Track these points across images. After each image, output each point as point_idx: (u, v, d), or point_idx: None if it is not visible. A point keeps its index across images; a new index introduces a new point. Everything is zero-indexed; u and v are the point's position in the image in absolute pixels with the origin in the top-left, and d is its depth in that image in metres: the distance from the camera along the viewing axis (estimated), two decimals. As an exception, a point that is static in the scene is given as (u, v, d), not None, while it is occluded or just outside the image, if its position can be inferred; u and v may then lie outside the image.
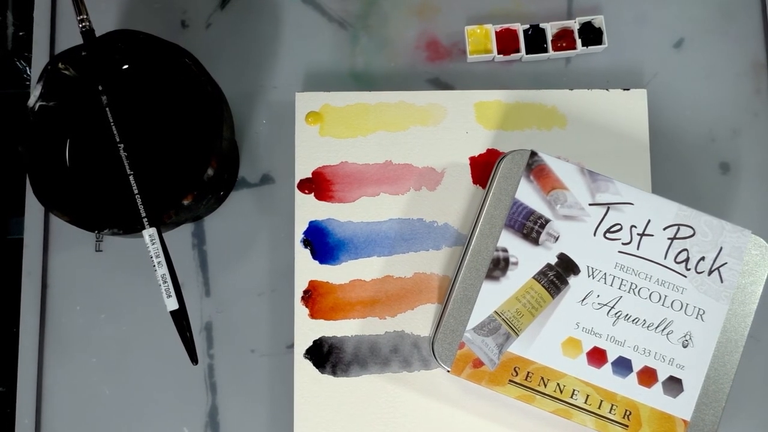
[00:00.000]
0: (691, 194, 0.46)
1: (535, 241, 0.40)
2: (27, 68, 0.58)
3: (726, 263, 0.40)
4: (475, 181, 0.45)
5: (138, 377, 0.45)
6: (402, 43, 0.48)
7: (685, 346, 0.40)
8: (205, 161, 0.39)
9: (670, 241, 0.40)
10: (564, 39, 0.47)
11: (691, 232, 0.41)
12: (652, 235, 0.40)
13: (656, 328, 0.40)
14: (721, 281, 0.40)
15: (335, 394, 0.43)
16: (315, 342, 0.44)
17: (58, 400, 0.45)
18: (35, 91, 0.40)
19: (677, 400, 0.39)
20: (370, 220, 0.45)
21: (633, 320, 0.40)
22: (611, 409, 0.39)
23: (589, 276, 0.40)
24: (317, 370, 0.44)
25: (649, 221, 0.41)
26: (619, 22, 0.48)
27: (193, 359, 0.38)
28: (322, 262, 0.45)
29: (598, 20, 0.46)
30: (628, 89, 0.46)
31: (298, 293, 0.44)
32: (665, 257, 0.40)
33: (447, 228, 0.45)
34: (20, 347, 0.45)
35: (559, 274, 0.40)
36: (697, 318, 0.40)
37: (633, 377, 0.39)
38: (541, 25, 0.46)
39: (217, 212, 0.47)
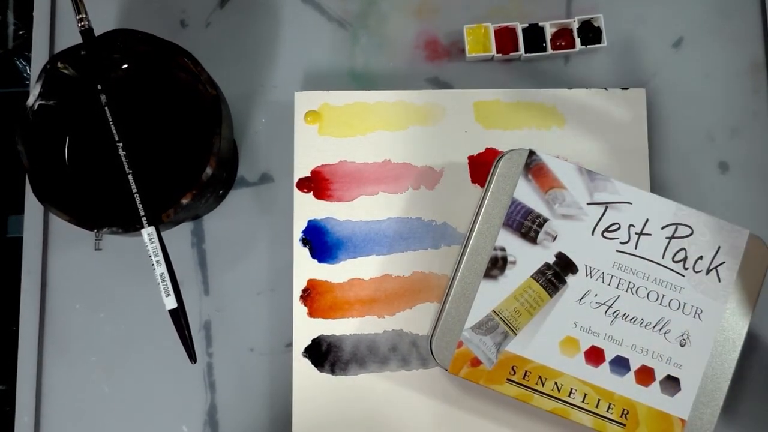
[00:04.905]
0: (689, 193, 0.46)
1: (534, 240, 0.40)
2: (26, 67, 0.58)
3: (724, 262, 0.40)
4: (473, 180, 0.45)
5: (137, 376, 0.45)
6: (401, 43, 0.48)
7: (682, 345, 0.40)
8: (204, 160, 0.39)
9: (668, 240, 0.40)
10: (563, 38, 0.47)
11: (689, 232, 0.41)
12: (650, 235, 0.40)
13: (654, 327, 0.40)
14: (719, 280, 0.40)
15: (333, 392, 0.44)
16: (313, 341, 0.44)
17: (57, 398, 0.45)
18: (35, 90, 0.40)
19: (675, 399, 0.39)
20: (369, 219, 0.45)
21: (631, 319, 0.40)
22: (609, 408, 0.39)
23: (587, 275, 0.40)
24: (316, 368, 0.44)
25: (647, 220, 0.41)
26: (619, 21, 0.48)
27: (192, 358, 0.38)
28: (320, 260, 0.45)
29: (598, 19, 0.46)
30: (626, 88, 0.46)
31: (297, 292, 0.44)
32: (663, 256, 0.40)
33: (445, 227, 0.45)
34: (20, 345, 0.46)
35: (557, 273, 0.40)
36: (694, 317, 0.40)
37: (630, 376, 0.39)
38: (540, 24, 0.46)
39: (216, 211, 0.47)
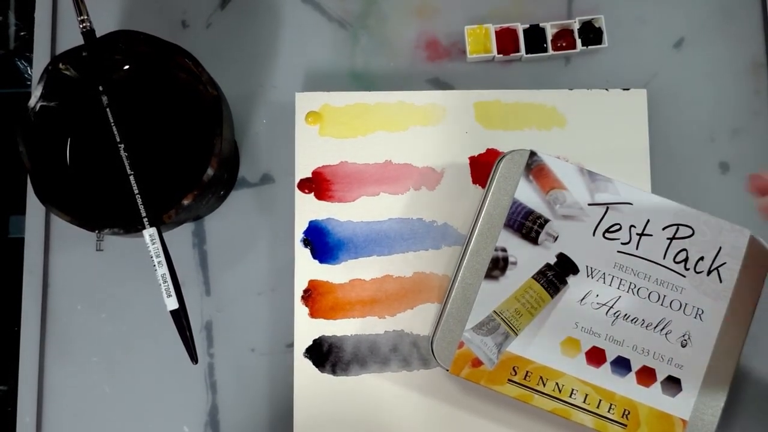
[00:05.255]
0: (690, 194, 0.46)
1: (535, 241, 0.40)
2: (28, 68, 0.58)
3: (725, 263, 0.40)
4: (474, 181, 0.45)
5: (138, 376, 0.45)
6: (402, 43, 0.48)
7: (683, 346, 0.40)
8: (205, 161, 0.39)
9: (669, 240, 0.41)
10: (564, 38, 0.47)
11: (690, 232, 0.41)
12: (651, 235, 0.40)
13: (655, 327, 0.40)
14: (720, 281, 0.40)
15: (335, 393, 0.44)
16: (315, 341, 0.44)
17: (59, 398, 0.45)
18: (36, 91, 0.40)
19: (676, 399, 0.39)
20: (370, 219, 0.45)
21: (632, 320, 0.40)
22: (610, 408, 0.39)
23: (588, 276, 0.40)
24: (317, 369, 0.44)
25: (648, 221, 0.41)
26: (619, 22, 0.48)
27: (193, 358, 0.38)
28: (321, 261, 0.45)
29: (598, 20, 0.46)
30: (627, 89, 0.46)
31: (298, 292, 0.45)
32: (664, 257, 0.40)
33: (446, 228, 0.45)
34: (21, 346, 0.46)
35: (558, 274, 0.40)
36: (695, 318, 0.40)
37: (632, 377, 0.39)
38: (541, 25, 0.46)
39: (217, 212, 0.47)
